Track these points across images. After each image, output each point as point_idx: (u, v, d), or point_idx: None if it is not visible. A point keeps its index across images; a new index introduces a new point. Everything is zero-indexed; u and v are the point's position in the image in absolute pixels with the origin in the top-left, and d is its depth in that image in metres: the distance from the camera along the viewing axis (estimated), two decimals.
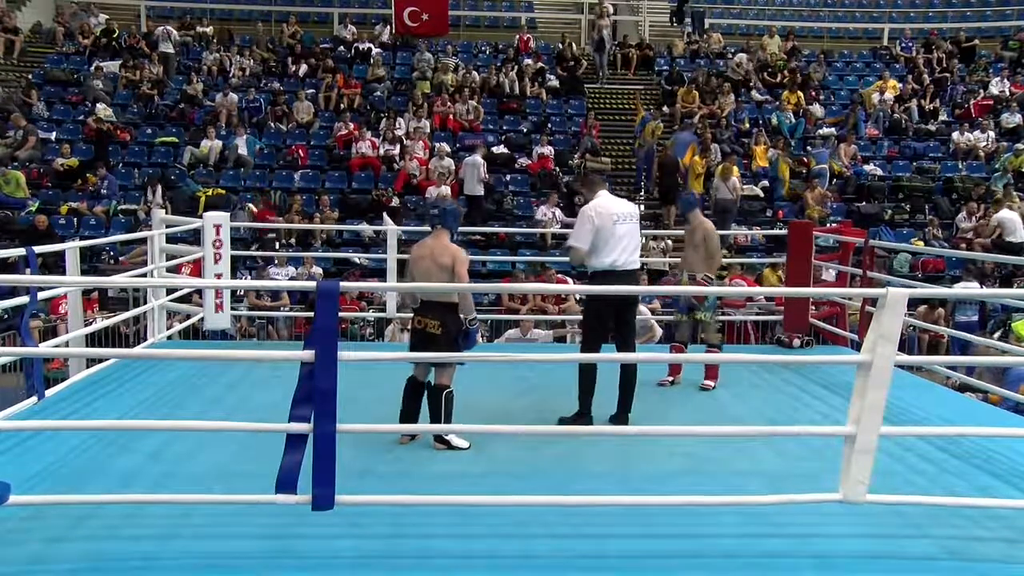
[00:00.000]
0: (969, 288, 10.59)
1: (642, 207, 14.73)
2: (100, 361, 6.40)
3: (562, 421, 5.20)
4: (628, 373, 5.35)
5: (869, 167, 15.90)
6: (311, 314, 3.44)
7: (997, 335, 10.12)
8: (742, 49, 18.79)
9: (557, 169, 15.15)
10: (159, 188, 13.77)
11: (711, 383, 6.35)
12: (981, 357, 7.26)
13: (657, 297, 9.92)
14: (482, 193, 13.99)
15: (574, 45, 18.87)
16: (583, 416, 5.21)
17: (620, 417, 5.28)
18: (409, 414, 4.89)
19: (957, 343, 10.23)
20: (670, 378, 6.47)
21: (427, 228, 5.18)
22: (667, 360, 6.64)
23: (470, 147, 15.14)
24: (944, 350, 10.73)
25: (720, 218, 13.97)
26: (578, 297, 9.15)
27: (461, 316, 4.80)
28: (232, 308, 7.92)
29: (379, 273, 10.58)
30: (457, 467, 4.49)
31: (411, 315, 5.08)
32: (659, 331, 9.58)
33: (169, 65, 17.12)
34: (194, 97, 16.26)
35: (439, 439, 4.79)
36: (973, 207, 14.06)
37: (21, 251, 5.29)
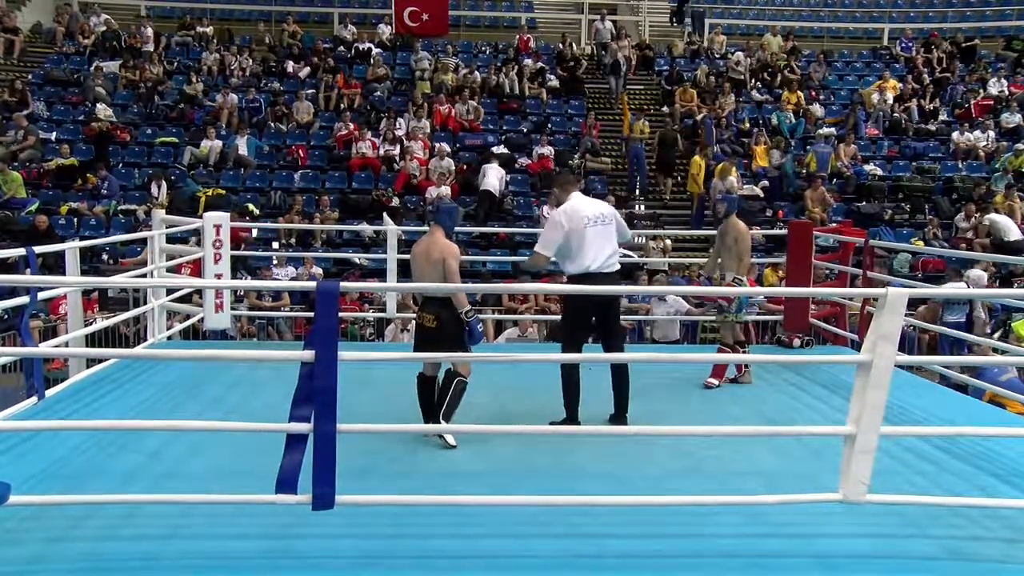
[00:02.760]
0: (958, 289, 10.58)
1: (642, 207, 14.73)
2: (100, 361, 6.40)
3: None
4: (620, 374, 5.28)
5: (869, 167, 15.89)
6: (311, 314, 3.44)
7: (997, 335, 10.11)
8: (741, 48, 18.80)
9: (557, 169, 15.15)
10: (163, 184, 13.76)
11: (715, 381, 6.37)
12: (980, 357, 7.26)
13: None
14: (498, 193, 14.02)
15: (574, 45, 18.87)
16: (571, 422, 5.12)
17: (618, 418, 5.26)
18: (427, 411, 4.94)
19: (947, 344, 10.22)
20: (716, 381, 6.44)
21: (426, 228, 5.22)
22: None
23: (481, 148, 15.19)
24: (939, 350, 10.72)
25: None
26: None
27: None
28: (232, 308, 7.92)
29: (379, 273, 10.56)
30: (457, 467, 4.49)
31: (412, 314, 5.11)
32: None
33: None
34: (194, 97, 16.25)
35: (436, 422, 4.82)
36: (971, 208, 14.09)
37: (21, 251, 5.29)
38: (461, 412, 4.92)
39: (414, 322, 5.07)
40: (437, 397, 4.89)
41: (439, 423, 4.78)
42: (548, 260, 5.26)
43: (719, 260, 6.60)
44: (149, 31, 17.75)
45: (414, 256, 5.03)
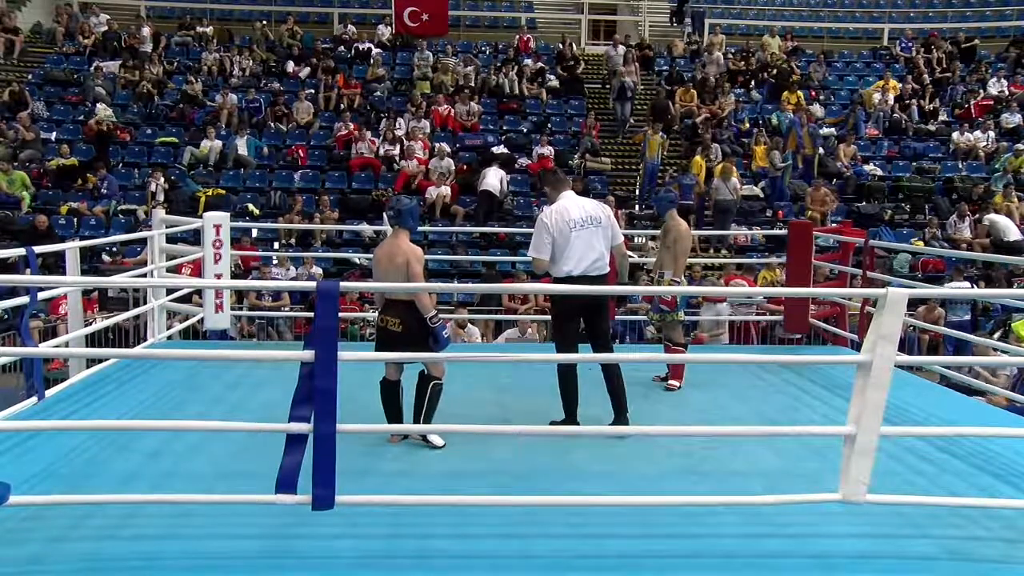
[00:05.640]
0: (960, 288, 10.59)
1: (646, 222, 14.57)
2: (100, 361, 6.40)
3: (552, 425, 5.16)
4: (611, 376, 5.19)
5: (869, 167, 15.89)
6: (311, 314, 3.43)
7: (997, 335, 10.13)
8: (742, 49, 18.79)
9: (552, 169, 15.14)
10: (160, 179, 13.75)
11: (676, 383, 6.33)
12: (980, 358, 7.25)
13: (643, 297, 9.90)
14: (497, 192, 14.02)
15: (574, 45, 18.87)
16: (570, 422, 5.09)
17: (620, 419, 5.20)
18: (392, 415, 4.90)
19: (951, 343, 10.24)
20: (664, 376, 6.51)
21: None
22: (660, 359, 6.63)
23: (481, 148, 15.17)
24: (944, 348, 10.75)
25: (720, 218, 13.99)
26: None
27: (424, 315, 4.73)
28: (232, 308, 7.91)
29: None
30: (457, 467, 4.48)
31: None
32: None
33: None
34: (194, 97, 16.26)
35: None
36: (965, 208, 14.10)
37: (21, 251, 5.28)
38: (462, 412, 4.91)
39: (376, 323, 4.99)
40: (415, 402, 4.81)
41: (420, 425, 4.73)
42: (547, 262, 5.18)
43: (663, 260, 6.44)
44: (146, 31, 17.72)
45: (376, 259, 4.94)
